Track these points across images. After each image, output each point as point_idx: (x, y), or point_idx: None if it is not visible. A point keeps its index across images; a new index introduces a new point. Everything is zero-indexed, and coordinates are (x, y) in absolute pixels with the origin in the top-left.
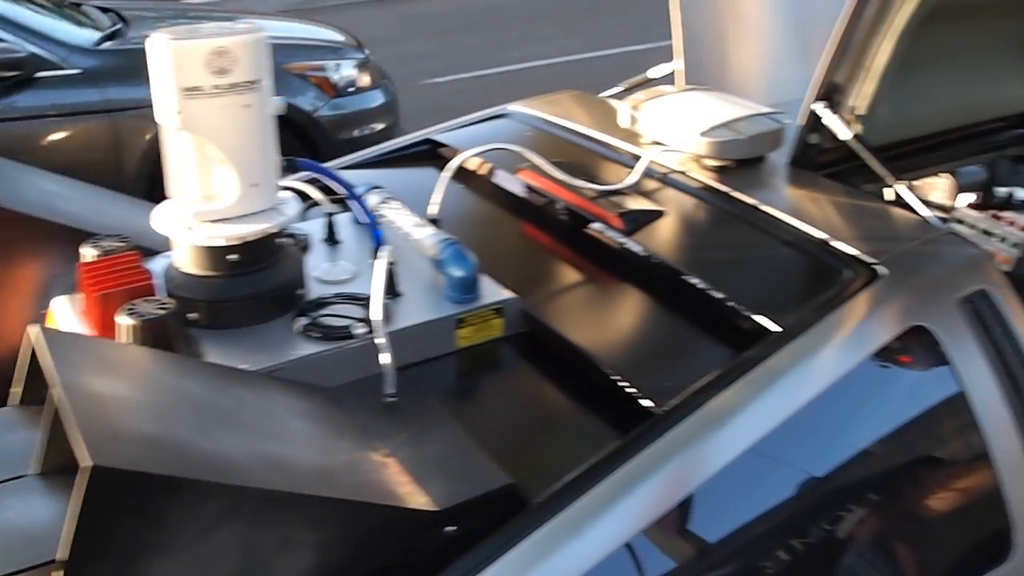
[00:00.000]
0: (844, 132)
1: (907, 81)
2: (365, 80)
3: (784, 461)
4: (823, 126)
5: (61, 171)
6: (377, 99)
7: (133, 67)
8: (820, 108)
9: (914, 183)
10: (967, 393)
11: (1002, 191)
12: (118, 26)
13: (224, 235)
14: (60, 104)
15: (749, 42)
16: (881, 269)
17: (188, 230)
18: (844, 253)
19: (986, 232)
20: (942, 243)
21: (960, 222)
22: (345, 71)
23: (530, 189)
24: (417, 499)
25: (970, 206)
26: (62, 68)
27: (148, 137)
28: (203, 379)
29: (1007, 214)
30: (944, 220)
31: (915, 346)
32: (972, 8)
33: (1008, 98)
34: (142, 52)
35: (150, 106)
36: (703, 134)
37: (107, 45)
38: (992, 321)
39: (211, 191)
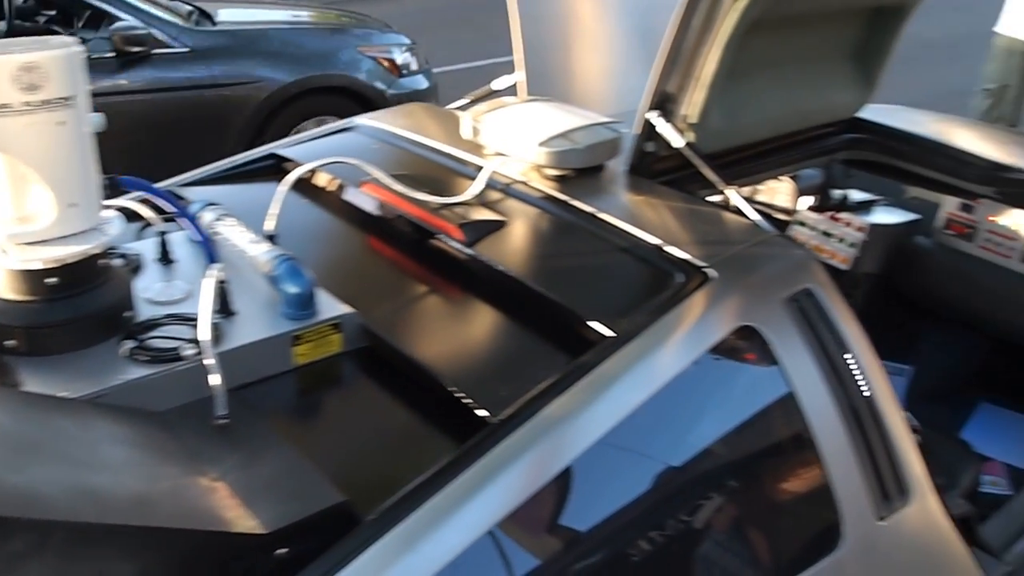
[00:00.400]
0: (677, 140)
1: (736, 89)
2: (415, 64)
3: (622, 464)
4: (658, 135)
5: (174, 142)
6: (423, 82)
7: (229, 46)
8: (654, 117)
9: (759, 188)
10: (795, 390)
11: (837, 193)
12: (192, 9)
13: (41, 258)
14: (174, 78)
15: (594, 52)
16: (711, 272)
17: (2, 254)
18: (677, 258)
19: (826, 233)
20: (770, 245)
21: (802, 224)
22: (404, 55)
23: (373, 203)
24: (245, 523)
25: (810, 208)
26: (172, 47)
27: (249, 109)
28: (15, 410)
29: (844, 215)
30: (787, 223)
31: (745, 346)
32: (796, 19)
33: (835, 105)
34: (233, 33)
35: (249, 82)
36: (541, 144)
37: (205, 26)
38: (817, 319)
39: (26, 212)
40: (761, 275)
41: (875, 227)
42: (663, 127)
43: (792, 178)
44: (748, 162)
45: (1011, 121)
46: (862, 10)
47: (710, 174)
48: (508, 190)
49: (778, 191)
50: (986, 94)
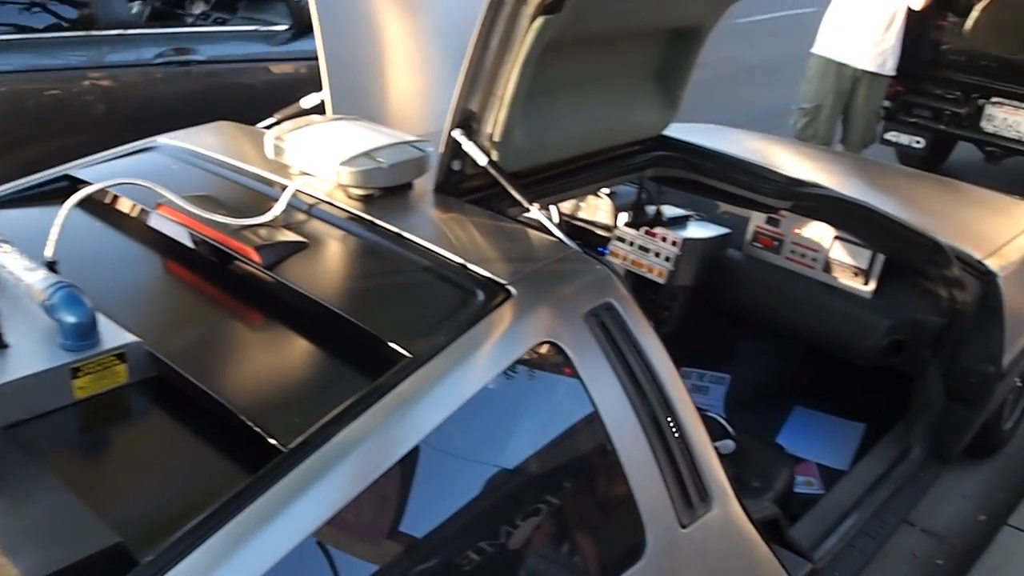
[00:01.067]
0: (481, 158)
1: (540, 108)
2: None
3: (423, 485)
4: (463, 153)
5: None
6: None
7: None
8: (458, 135)
9: (581, 204)
10: (596, 403)
11: (651, 209)
12: None
13: None
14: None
15: (405, 71)
16: (512, 289)
17: None
18: (479, 275)
19: (643, 248)
20: (571, 261)
21: (621, 240)
22: None
23: (171, 226)
24: (7, 572)
25: (627, 224)
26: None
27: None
28: None
29: (659, 230)
30: (607, 238)
31: (546, 361)
32: (596, 39)
33: (640, 123)
34: None
35: None
36: (343, 163)
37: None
38: (617, 332)
39: None
40: (562, 291)
41: (688, 241)
42: (468, 145)
43: (610, 195)
44: (556, 179)
45: (824, 139)
46: (660, 31)
47: (514, 192)
48: (311, 211)
49: (599, 208)
50: (801, 113)
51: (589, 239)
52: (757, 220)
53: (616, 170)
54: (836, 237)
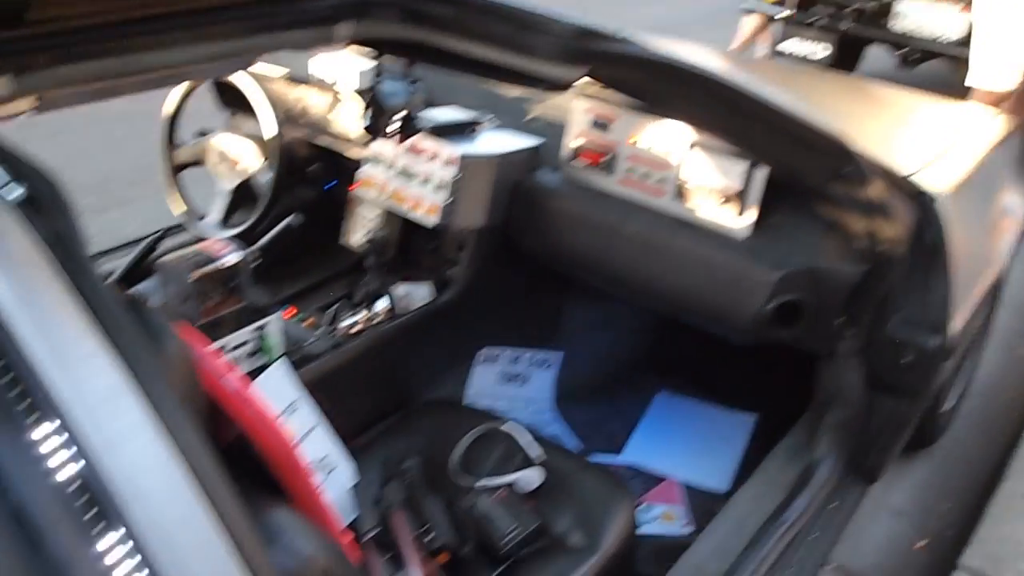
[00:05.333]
0: None
1: None
2: None
3: None
4: None
5: None
6: None
7: None
8: None
9: (325, 115)
10: None
11: (392, 105)
12: None
13: None
14: None
15: None
16: None
17: None
18: None
19: (405, 173)
20: None
21: (376, 162)
22: None
23: None
24: None
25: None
26: None
27: None
28: None
29: (428, 144)
30: (353, 161)
31: None
32: None
33: None
34: None
35: None
36: None
37: None
38: None
39: None
40: None
41: (469, 159)
42: None
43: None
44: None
45: None
46: None
47: None
48: None
49: (347, 115)
50: None
51: (341, 164)
52: (579, 124)
53: (269, 23)
54: (694, 144)
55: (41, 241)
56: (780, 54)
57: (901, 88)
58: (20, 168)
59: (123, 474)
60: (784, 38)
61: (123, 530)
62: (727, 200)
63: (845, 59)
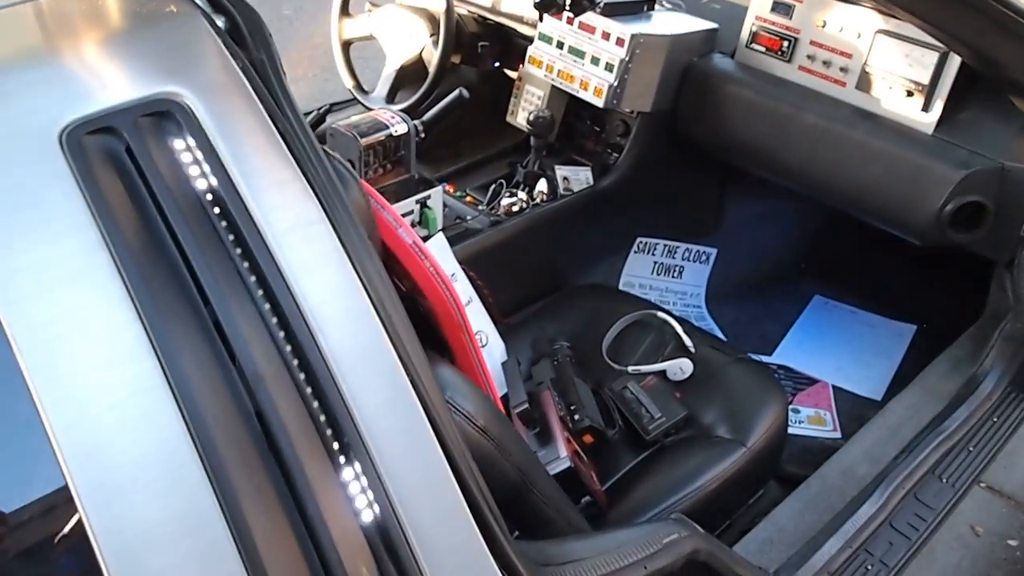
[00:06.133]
0: None
1: None
2: None
3: None
4: None
5: None
6: None
7: None
8: None
9: None
10: None
11: None
12: None
13: None
14: None
15: None
16: None
17: None
18: None
19: (574, 51)
20: None
21: (546, 39)
22: None
23: None
24: None
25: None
26: None
27: None
28: None
29: (600, 21)
30: (526, 38)
31: None
32: None
33: None
34: None
35: None
36: None
37: None
38: None
39: None
40: None
41: (639, 38)
42: None
43: None
44: None
45: None
46: None
47: None
48: None
49: None
50: None
51: (513, 42)
52: (758, 7)
53: None
54: (880, 31)
55: (244, 67)
56: None
57: None
58: (220, 2)
59: (315, 299)
60: None
61: (314, 352)
62: (912, 93)
63: None
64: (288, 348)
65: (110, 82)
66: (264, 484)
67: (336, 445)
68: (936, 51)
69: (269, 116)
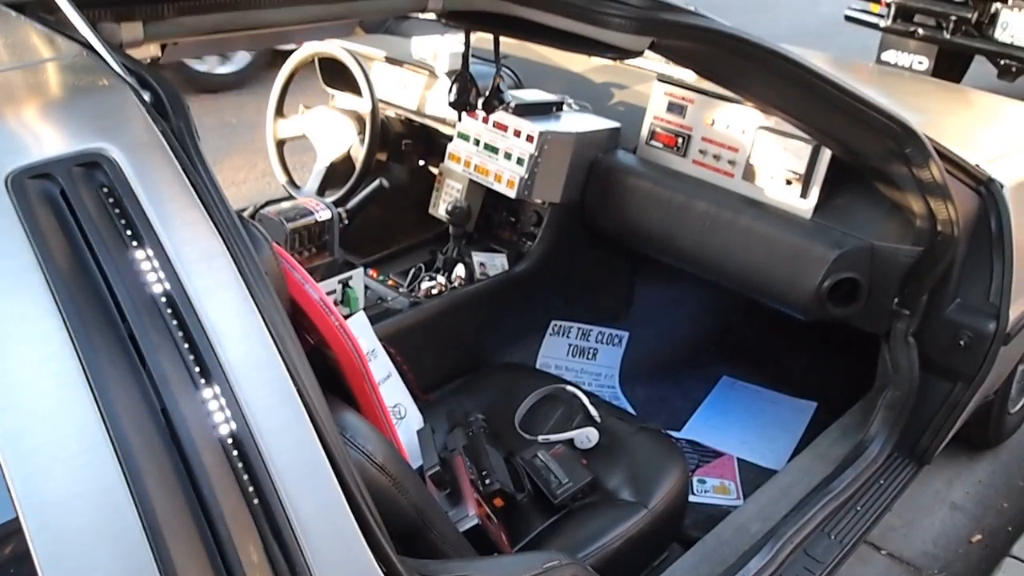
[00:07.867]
0: None
1: None
2: None
3: None
4: None
5: None
6: None
7: None
8: None
9: (424, 93)
10: None
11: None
12: None
13: None
14: None
15: None
16: None
17: None
18: None
19: (489, 147)
20: None
21: (464, 137)
22: None
23: None
24: None
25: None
26: None
27: None
28: None
29: (511, 120)
30: (444, 137)
31: None
32: None
33: None
34: None
35: None
36: None
37: None
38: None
39: None
40: None
41: (547, 135)
42: None
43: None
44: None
45: None
46: None
47: None
48: None
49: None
50: None
51: (435, 141)
52: (655, 108)
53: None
54: (761, 127)
55: (164, 131)
56: (884, 63)
57: (992, 95)
58: (146, 79)
59: (215, 317)
60: (883, 48)
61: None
62: (791, 181)
63: (949, 70)
64: (191, 357)
65: (50, 138)
66: (166, 469)
67: (227, 429)
68: (810, 144)
69: (183, 170)
